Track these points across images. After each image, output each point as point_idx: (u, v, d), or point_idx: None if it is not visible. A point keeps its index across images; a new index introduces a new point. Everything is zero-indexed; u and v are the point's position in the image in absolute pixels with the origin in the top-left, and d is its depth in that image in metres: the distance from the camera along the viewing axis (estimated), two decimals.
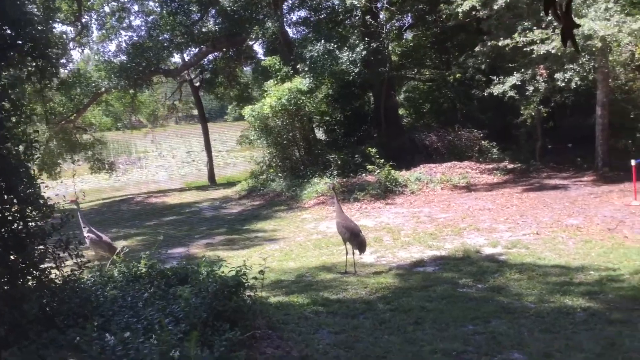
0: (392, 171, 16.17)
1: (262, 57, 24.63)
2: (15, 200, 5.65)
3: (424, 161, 19.30)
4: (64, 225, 5.83)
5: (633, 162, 12.36)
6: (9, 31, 5.53)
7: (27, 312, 5.27)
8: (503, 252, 9.56)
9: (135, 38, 23.67)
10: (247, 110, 18.64)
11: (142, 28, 23.97)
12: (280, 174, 19.27)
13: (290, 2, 23.15)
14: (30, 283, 5.66)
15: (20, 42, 5.49)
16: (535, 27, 14.11)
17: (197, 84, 28.15)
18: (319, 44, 18.53)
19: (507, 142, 20.60)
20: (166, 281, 7.15)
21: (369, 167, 16.72)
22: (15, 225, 5.73)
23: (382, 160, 16.16)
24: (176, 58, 26.73)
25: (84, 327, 5.50)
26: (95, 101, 24.38)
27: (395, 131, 21.92)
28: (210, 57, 26.60)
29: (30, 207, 5.71)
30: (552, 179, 16.27)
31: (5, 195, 5.61)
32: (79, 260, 6.20)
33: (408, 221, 12.70)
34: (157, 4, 24.18)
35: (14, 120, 5.69)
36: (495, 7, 14.46)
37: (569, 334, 6.01)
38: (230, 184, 24.94)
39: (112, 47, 69.90)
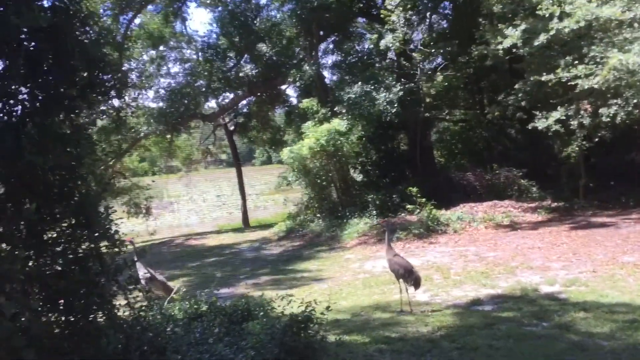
0: (434, 210, 16.03)
1: (294, 101, 25.12)
2: (90, 237, 5.72)
3: (462, 200, 19.12)
4: (136, 262, 5.87)
5: None
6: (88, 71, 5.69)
7: (104, 348, 5.25)
8: (562, 290, 9.32)
9: (173, 84, 24.29)
10: (285, 152, 18.83)
11: (180, 75, 24.62)
12: (318, 215, 19.27)
13: (323, 47, 23.65)
14: (100, 319, 5.68)
15: (98, 81, 5.63)
16: (577, 62, 14.11)
17: (232, 127, 28.59)
18: (356, 86, 18.77)
19: (545, 180, 20.36)
20: (228, 318, 7.11)
21: (409, 206, 16.63)
22: (91, 261, 5.79)
23: (424, 200, 16.06)
24: (212, 103, 27.32)
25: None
26: (134, 146, 24.88)
27: (430, 171, 21.88)
28: (244, 101, 27.14)
29: (105, 243, 5.78)
30: (599, 216, 15.96)
31: (81, 231, 5.69)
32: (149, 294, 6.22)
33: (456, 260, 12.51)
34: (194, 52, 24.92)
35: (91, 159, 5.81)
36: (536, 43, 14.51)
37: None
38: (263, 226, 24.98)
39: (150, 93, 71.74)
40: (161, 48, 24.60)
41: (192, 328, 6.76)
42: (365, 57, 22.20)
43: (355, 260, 13.94)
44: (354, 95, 18.60)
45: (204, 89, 23.59)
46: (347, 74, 20.93)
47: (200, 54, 24.12)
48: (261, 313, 7.15)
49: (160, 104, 23.53)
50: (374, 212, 18.18)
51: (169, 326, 6.64)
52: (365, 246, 15.36)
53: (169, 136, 24.78)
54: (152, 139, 25.14)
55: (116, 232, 5.71)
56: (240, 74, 23.10)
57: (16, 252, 5.17)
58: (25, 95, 5.26)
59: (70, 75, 5.44)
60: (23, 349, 4.78)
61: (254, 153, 74.03)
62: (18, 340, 4.78)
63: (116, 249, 5.84)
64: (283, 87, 25.75)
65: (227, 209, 42.49)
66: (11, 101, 5.09)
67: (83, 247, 5.72)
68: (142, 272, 9.32)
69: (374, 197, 18.87)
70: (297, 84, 21.52)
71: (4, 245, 5.17)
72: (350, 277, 12.00)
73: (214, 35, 24.16)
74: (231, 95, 25.48)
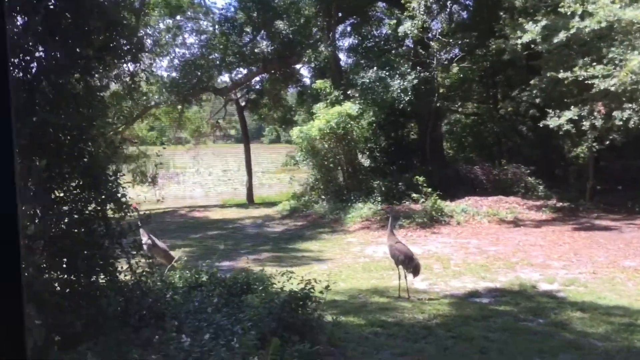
0: (439, 201, 16.02)
1: (308, 81, 25.03)
2: (97, 199, 5.76)
3: (468, 194, 19.07)
4: (140, 228, 5.91)
5: None
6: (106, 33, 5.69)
7: (104, 309, 5.31)
8: (560, 289, 9.33)
9: (188, 55, 24.20)
10: (295, 131, 18.80)
11: (195, 46, 24.48)
12: (323, 197, 19.29)
13: (341, 29, 23.50)
14: (102, 281, 5.73)
15: (115, 44, 5.63)
16: (595, 63, 13.99)
17: (243, 103, 28.51)
18: (371, 71, 18.68)
19: (553, 179, 20.29)
20: (228, 290, 7.16)
21: (414, 195, 16.62)
22: (97, 223, 5.82)
23: (430, 190, 16.05)
24: (225, 77, 27.22)
25: (158, 327, 5.54)
26: (144, 114, 24.86)
27: (439, 162, 21.80)
28: (257, 78, 27.03)
29: (110, 206, 5.82)
30: (604, 219, 15.91)
31: (88, 193, 5.72)
32: (150, 262, 6.28)
33: (457, 251, 12.53)
34: (211, 24, 24.78)
35: (102, 121, 5.84)
36: (555, 40, 14.38)
37: None
38: (267, 204, 25.02)
39: (164, 62, 71.56)
40: (178, 17, 24.47)
41: (191, 297, 6.83)
42: (382, 43, 22.06)
43: (357, 244, 13.98)
44: (368, 80, 18.51)
45: (217, 63, 23.48)
46: (363, 58, 20.81)
47: (216, 26, 23.98)
48: (260, 287, 7.20)
49: (174, 74, 23.48)
50: (379, 198, 18.17)
51: (168, 293, 6.72)
52: (367, 231, 15.39)
53: (179, 107, 24.73)
54: (163, 108, 25.07)
55: (123, 195, 5.75)
56: (256, 50, 22.97)
57: (23, 208, 5.20)
58: (41, 53, 5.27)
59: (88, 35, 5.44)
60: (25, 303, 4.83)
61: (263, 131, 73.80)
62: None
63: (122, 213, 5.90)
64: (297, 66, 25.63)
65: (232, 185, 42.49)
66: (27, 57, 5.10)
67: (89, 208, 5.77)
68: (144, 238, 9.38)
69: (380, 183, 18.85)
70: (312, 64, 21.40)
71: None
72: (351, 260, 12.05)
73: (232, 9, 24.07)
74: (244, 71, 25.36)
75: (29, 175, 5.16)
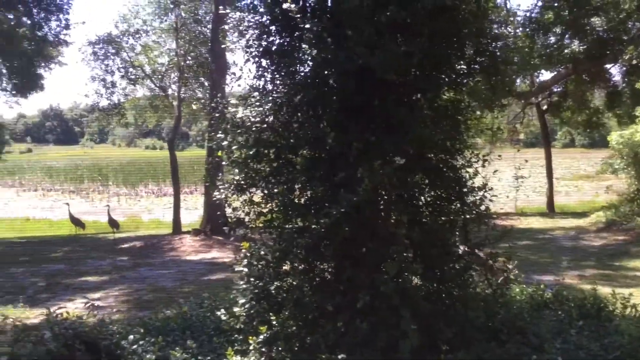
0: None
1: (616, 80, 22.84)
2: (458, 209, 5.90)
3: None
4: (503, 237, 5.89)
5: None
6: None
7: (473, 319, 5.40)
8: None
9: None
10: (614, 136, 17.12)
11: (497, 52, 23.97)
12: None
13: None
14: (455, 292, 5.83)
15: (480, 59, 5.69)
16: None
17: (545, 107, 27.07)
18: None
19: None
20: (578, 310, 6.75)
21: None
22: (454, 232, 5.98)
23: None
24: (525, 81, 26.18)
25: (522, 343, 5.44)
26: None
27: None
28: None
29: (472, 216, 5.91)
30: None
31: (453, 205, 5.90)
32: (506, 274, 6.22)
33: None
34: (511, 27, 24.03)
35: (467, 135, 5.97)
36: None
37: None
38: (568, 213, 23.36)
39: None
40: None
41: (542, 314, 6.59)
42: None
43: None
44: None
45: (519, 66, 22.62)
46: None
47: (519, 29, 23.16)
48: (616, 311, 6.63)
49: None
50: None
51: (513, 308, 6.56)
52: None
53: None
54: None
55: (487, 208, 5.81)
56: (566, 50, 21.51)
57: (399, 218, 5.55)
58: (417, 72, 5.57)
59: (458, 48, 5.58)
60: (401, 307, 5.17)
61: (554, 135, 69.46)
62: (397, 298, 5.17)
63: (482, 225, 5.97)
64: (608, 65, 23.40)
65: (524, 191, 40.83)
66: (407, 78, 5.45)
67: (450, 217, 5.95)
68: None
69: None
70: (634, 61, 19.22)
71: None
72: None
73: (536, 9, 22.94)
74: (547, 73, 24.07)
75: (404, 186, 5.49)
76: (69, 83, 74.49)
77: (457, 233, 5.91)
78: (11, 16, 20.10)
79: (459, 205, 5.76)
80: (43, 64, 21.02)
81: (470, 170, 5.79)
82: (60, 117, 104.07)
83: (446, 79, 5.49)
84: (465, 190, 5.83)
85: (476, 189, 5.68)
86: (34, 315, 8.87)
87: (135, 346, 4.82)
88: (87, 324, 5.28)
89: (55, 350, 4.53)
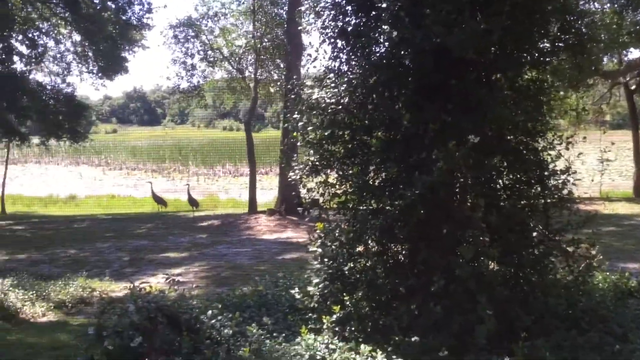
0: None
1: None
2: (541, 193, 5.71)
3: None
4: (586, 223, 5.66)
5: None
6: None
7: (553, 307, 5.24)
8: None
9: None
10: None
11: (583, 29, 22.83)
12: None
13: None
14: (534, 278, 5.66)
15: (565, 37, 5.45)
16: None
17: (633, 87, 25.61)
18: None
19: None
20: None
21: None
22: (534, 217, 5.79)
23: None
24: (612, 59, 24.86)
25: (604, 332, 5.24)
26: None
27: None
28: None
29: (553, 201, 5.71)
30: None
31: (533, 189, 5.71)
32: (588, 261, 5.99)
33: None
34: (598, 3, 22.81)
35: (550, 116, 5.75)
36: None
37: None
38: None
39: None
40: None
41: (626, 303, 6.31)
42: None
43: None
44: None
45: (606, 44, 21.47)
46: None
47: (607, 5, 21.95)
48: None
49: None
50: None
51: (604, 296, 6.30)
52: None
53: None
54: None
55: (570, 192, 5.59)
56: None
57: (476, 201, 5.43)
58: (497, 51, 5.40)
59: (542, 25, 5.36)
60: (477, 292, 5.08)
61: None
62: (473, 283, 5.08)
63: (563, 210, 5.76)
64: None
65: (608, 175, 39.00)
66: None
67: (530, 202, 5.77)
68: None
69: None
70: None
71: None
72: None
73: None
74: (636, 51, 22.76)
75: (481, 168, 5.35)
76: (152, 66, 76.97)
77: (537, 218, 5.72)
78: (97, 0, 21.04)
79: (539, 189, 5.58)
80: (127, 47, 21.95)
81: (553, 152, 5.58)
82: (143, 99, 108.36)
83: (528, 58, 5.30)
84: (546, 173, 5.64)
85: (558, 172, 5.48)
86: (118, 289, 9.33)
87: (213, 321, 4.98)
88: (169, 298, 5.49)
89: (138, 323, 4.76)
